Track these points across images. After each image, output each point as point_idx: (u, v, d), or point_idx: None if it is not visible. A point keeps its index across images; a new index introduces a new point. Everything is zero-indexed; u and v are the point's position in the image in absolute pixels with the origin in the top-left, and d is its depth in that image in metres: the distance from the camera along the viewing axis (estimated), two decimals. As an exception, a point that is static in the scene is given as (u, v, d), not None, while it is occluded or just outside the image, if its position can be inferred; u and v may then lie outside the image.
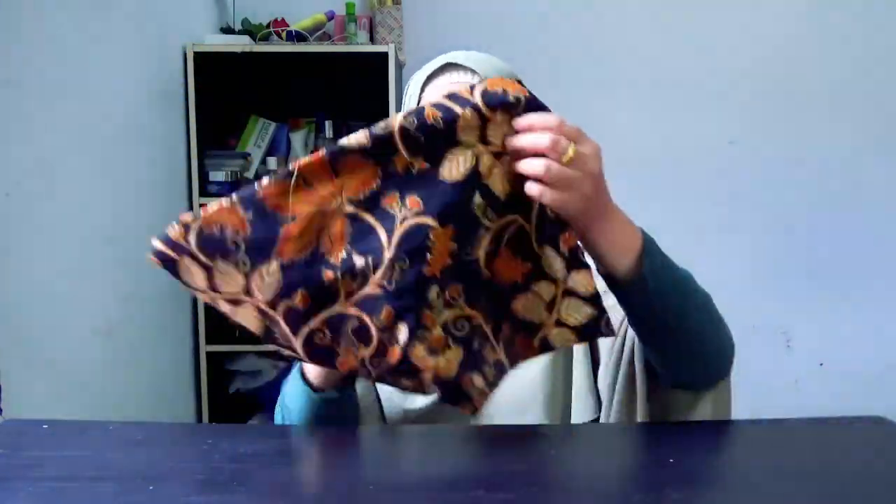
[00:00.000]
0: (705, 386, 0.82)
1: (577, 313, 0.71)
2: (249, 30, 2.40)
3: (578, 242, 0.71)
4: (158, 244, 0.65)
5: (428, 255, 0.66)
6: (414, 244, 0.66)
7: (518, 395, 0.90)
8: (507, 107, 0.66)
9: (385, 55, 2.26)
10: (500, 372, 0.72)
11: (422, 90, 0.90)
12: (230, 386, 2.42)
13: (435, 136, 0.65)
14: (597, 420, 0.90)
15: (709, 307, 0.78)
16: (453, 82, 0.88)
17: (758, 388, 2.50)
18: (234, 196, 0.66)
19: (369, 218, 0.66)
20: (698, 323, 0.76)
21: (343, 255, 0.66)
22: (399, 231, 0.66)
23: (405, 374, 0.68)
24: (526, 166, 0.66)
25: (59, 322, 1.58)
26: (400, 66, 2.40)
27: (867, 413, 0.85)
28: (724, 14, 2.62)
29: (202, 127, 2.26)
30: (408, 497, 0.63)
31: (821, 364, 2.71)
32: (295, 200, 0.65)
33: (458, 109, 0.65)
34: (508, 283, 0.71)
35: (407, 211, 0.66)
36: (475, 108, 0.66)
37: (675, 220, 2.65)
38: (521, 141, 0.67)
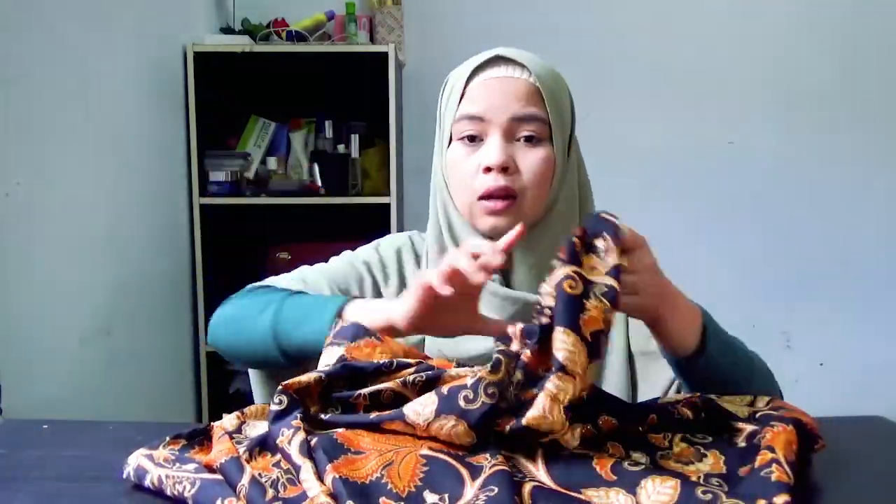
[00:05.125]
0: None
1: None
2: (249, 30, 2.40)
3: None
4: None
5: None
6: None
7: None
8: None
9: (385, 55, 2.26)
10: None
11: (467, 82, 0.89)
12: (230, 386, 2.42)
13: None
14: None
15: (754, 369, 0.83)
16: (502, 76, 0.88)
17: (758, 388, 2.50)
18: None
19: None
20: (746, 383, 0.79)
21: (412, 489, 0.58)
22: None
23: None
24: None
25: (59, 321, 1.58)
26: (400, 66, 2.40)
27: (867, 413, 0.85)
28: (724, 14, 2.62)
29: (202, 127, 2.26)
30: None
31: (821, 364, 2.71)
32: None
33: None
34: None
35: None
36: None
37: (675, 220, 2.66)
38: None
